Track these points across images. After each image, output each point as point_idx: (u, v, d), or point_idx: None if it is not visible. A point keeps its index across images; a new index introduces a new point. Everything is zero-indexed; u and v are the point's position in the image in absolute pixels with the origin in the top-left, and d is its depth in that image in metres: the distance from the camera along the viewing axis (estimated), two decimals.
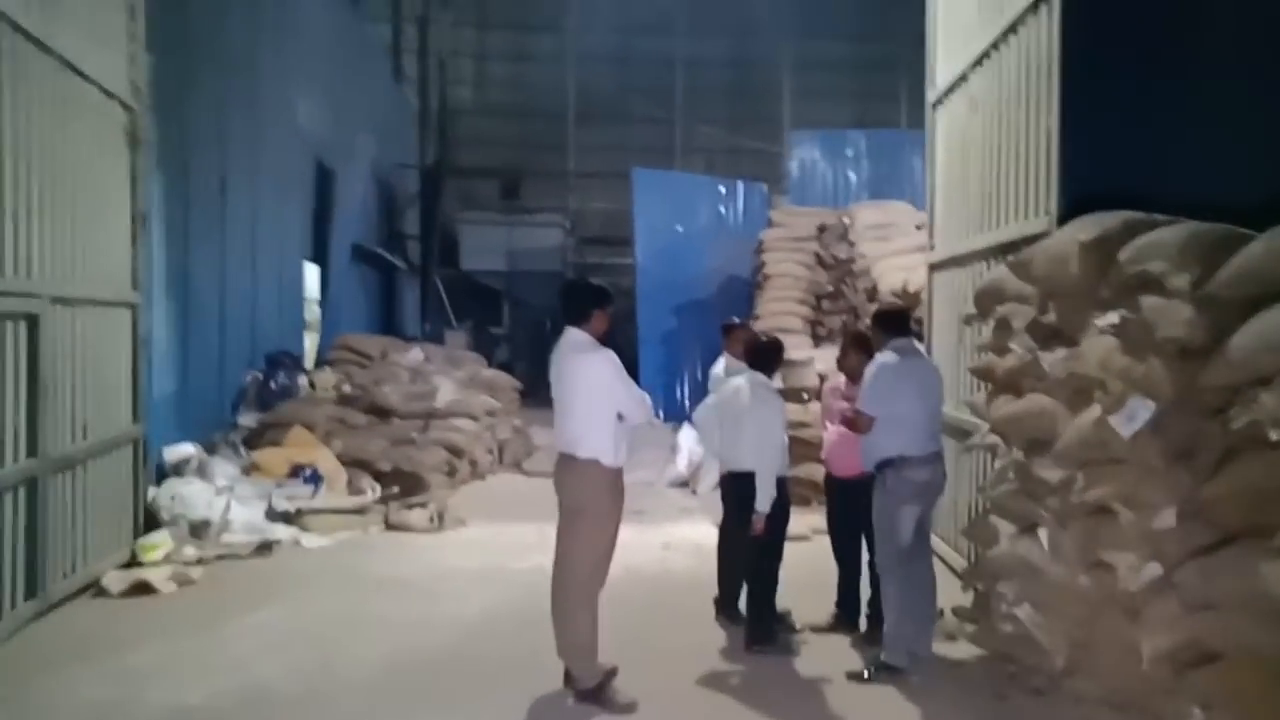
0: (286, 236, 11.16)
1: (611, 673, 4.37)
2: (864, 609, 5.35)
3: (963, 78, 6.87)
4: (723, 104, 25.76)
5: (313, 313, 12.58)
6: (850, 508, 5.23)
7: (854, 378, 5.23)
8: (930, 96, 7.72)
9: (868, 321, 6.07)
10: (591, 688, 4.31)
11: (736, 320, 6.96)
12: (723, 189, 17.18)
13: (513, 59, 26.59)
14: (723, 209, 17.16)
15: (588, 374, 4.27)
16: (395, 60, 19.69)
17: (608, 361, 4.29)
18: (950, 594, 5.30)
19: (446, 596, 6.08)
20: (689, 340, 15.50)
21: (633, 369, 16.11)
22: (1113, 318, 3.45)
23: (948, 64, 7.35)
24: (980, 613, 4.29)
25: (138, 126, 6.81)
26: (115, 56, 6.53)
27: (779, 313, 12.99)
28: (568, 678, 4.41)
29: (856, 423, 4.85)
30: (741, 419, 5.14)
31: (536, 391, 19.24)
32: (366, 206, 14.54)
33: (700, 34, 24.99)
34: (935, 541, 7.19)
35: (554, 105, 25.68)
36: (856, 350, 5.36)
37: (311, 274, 12.62)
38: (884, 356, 4.88)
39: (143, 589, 5.93)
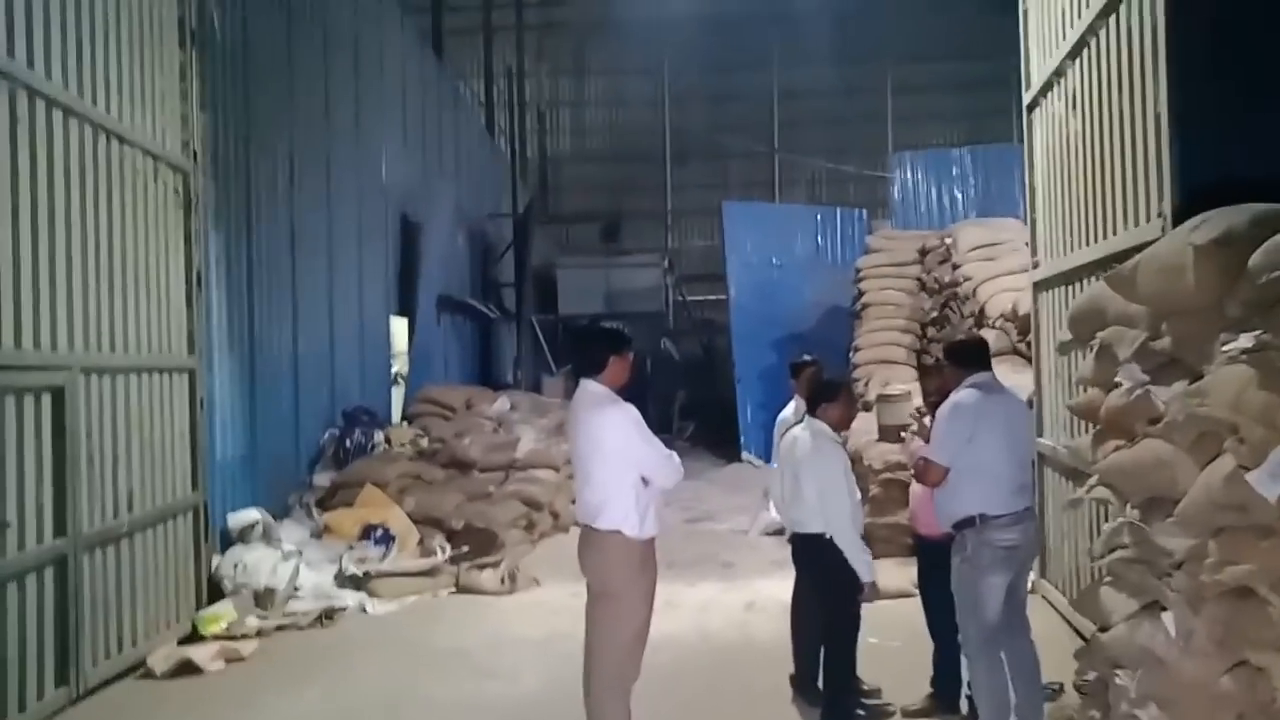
0: (368, 291, 11.07)
1: None
2: (965, 689, 4.57)
3: (1058, 73, 6.12)
4: (823, 133, 25.06)
5: (405, 366, 12.48)
6: (943, 573, 4.47)
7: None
8: (1025, 98, 6.96)
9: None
10: None
11: (807, 358, 6.28)
12: (819, 217, 16.51)
13: (609, 104, 26.66)
14: (820, 238, 16.47)
15: (605, 433, 3.74)
16: (489, 113, 19.84)
17: (627, 418, 3.75)
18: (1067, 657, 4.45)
19: (501, 673, 5.59)
20: (788, 377, 14.77)
21: (731, 409, 15.67)
22: (1245, 341, 2.69)
23: (1041, 60, 6.60)
24: (1098, 704, 3.51)
25: (191, 187, 6.71)
26: (163, 118, 6.44)
27: (879, 343, 12.18)
28: None
29: (927, 473, 4.15)
30: (800, 473, 4.50)
31: None
32: (456, 257, 14.46)
33: (796, 65, 24.39)
34: (1048, 589, 6.36)
35: (651, 146, 25.55)
36: (939, 386, 4.66)
37: (401, 328, 12.54)
38: (960, 394, 4.18)
39: (189, 669, 5.64)
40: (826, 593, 4.54)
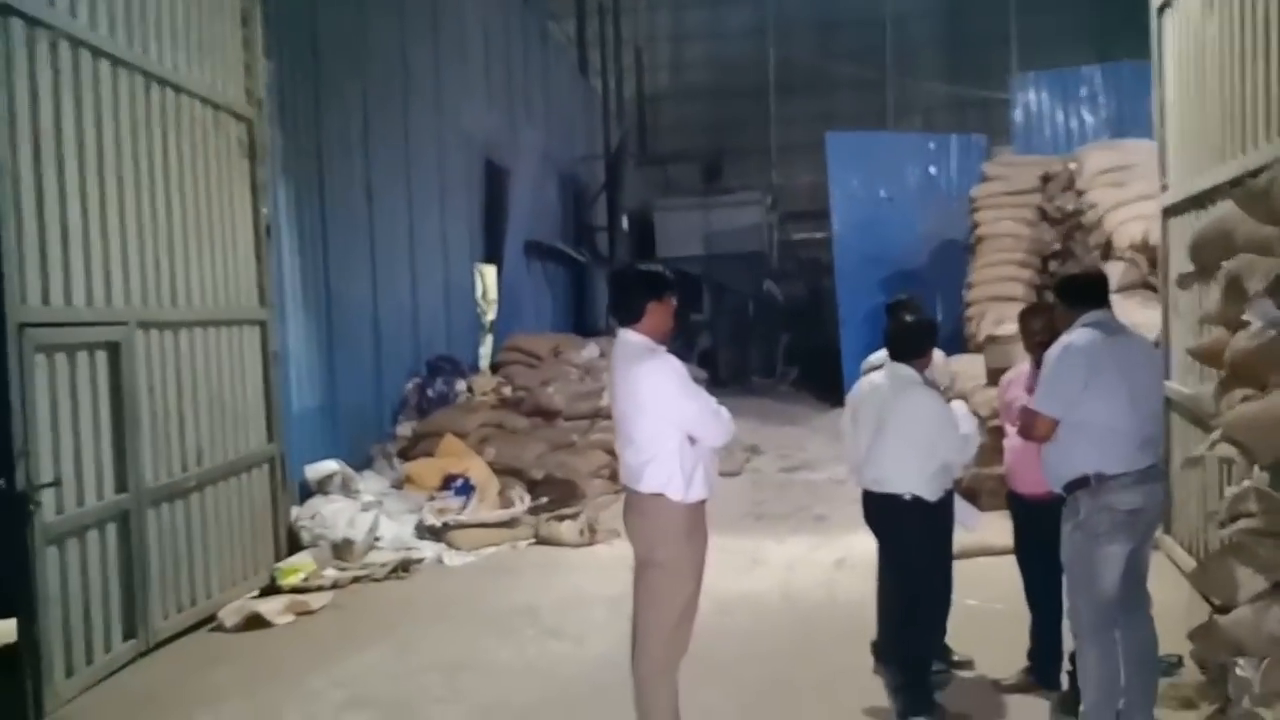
0: (453, 239, 10.92)
1: None
2: (1065, 664, 4.07)
3: None
4: (939, 58, 23.60)
5: (494, 314, 12.35)
6: (1042, 536, 3.93)
7: (1041, 366, 3.97)
8: (1154, 1, 6.11)
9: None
10: None
11: (905, 297, 5.59)
12: (932, 145, 15.46)
13: (710, 38, 25.74)
14: (933, 168, 15.44)
15: (644, 388, 3.37)
16: (581, 53, 19.36)
17: (668, 369, 3.37)
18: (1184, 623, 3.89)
19: (568, 633, 5.36)
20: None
21: (837, 353, 15.03)
22: None
23: None
24: (1217, 692, 2.99)
25: (255, 136, 6.57)
26: (224, 66, 6.29)
27: (996, 279, 11.31)
28: None
29: (1032, 427, 3.60)
30: (884, 425, 4.03)
31: (739, 379, 18.68)
32: (546, 202, 14.19)
33: None
34: (1172, 548, 5.70)
35: (755, 80, 24.59)
36: (1041, 324, 4.07)
37: (490, 276, 12.40)
38: (1072, 335, 3.60)
39: (258, 622, 5.62)
40: (909, 559, 4.10)
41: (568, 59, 18.33)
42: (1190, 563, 5.25)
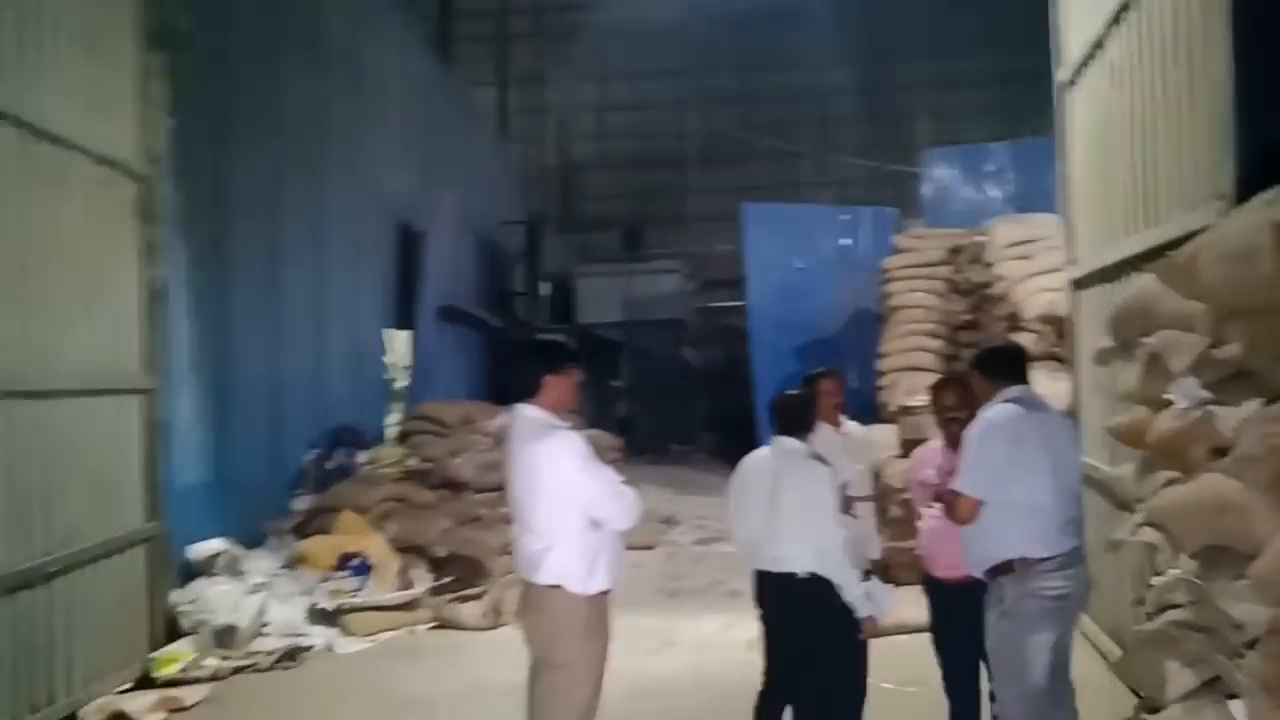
0: (363, 304, 10.55)
1: None
2: None
3: (1098, 45, 5.41)
4: (855, 132, 24.27)
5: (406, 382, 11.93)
6: (962, 621, 3.76)
7: (953, 442, 3.82)
8: (1060, 76, 6.25)
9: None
10: None
11: (823, 370, 5.33)
12: (846, 217, 15.75)
13: (632, 109, 26.10)
14: (847, 239, 15.70)
15: (541, 468, 3.11)
16: (503, 119, 19.35)
17: (567, 447, 3.13)
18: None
19: None
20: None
21: (751, 422, 14.95)
22: None
23: (1079, 32, 5.88)
24: None
25: (150, 196, 6.19)
26: (118, 122, 5.93)
27: (907, 349, 11.40)
28: None
29: (955, 508, 3.42)
30: (777, 501, 3.81)
31: (656, 446, 18.46)
32: (463, 267, 13.94)
33: (825, 64, 23.63)
34: (1091, 630, 5.60)
35: (676, 150, 24.94)
36: (954, 398, 3.94)
37: (403, 341, 12.00)
38: (993, 412, 3.47)
39: None
40: (812, 645, 3.82)
41: (488, 125, 18.27)
42: (1112, 647, 5.14)
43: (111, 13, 5.76)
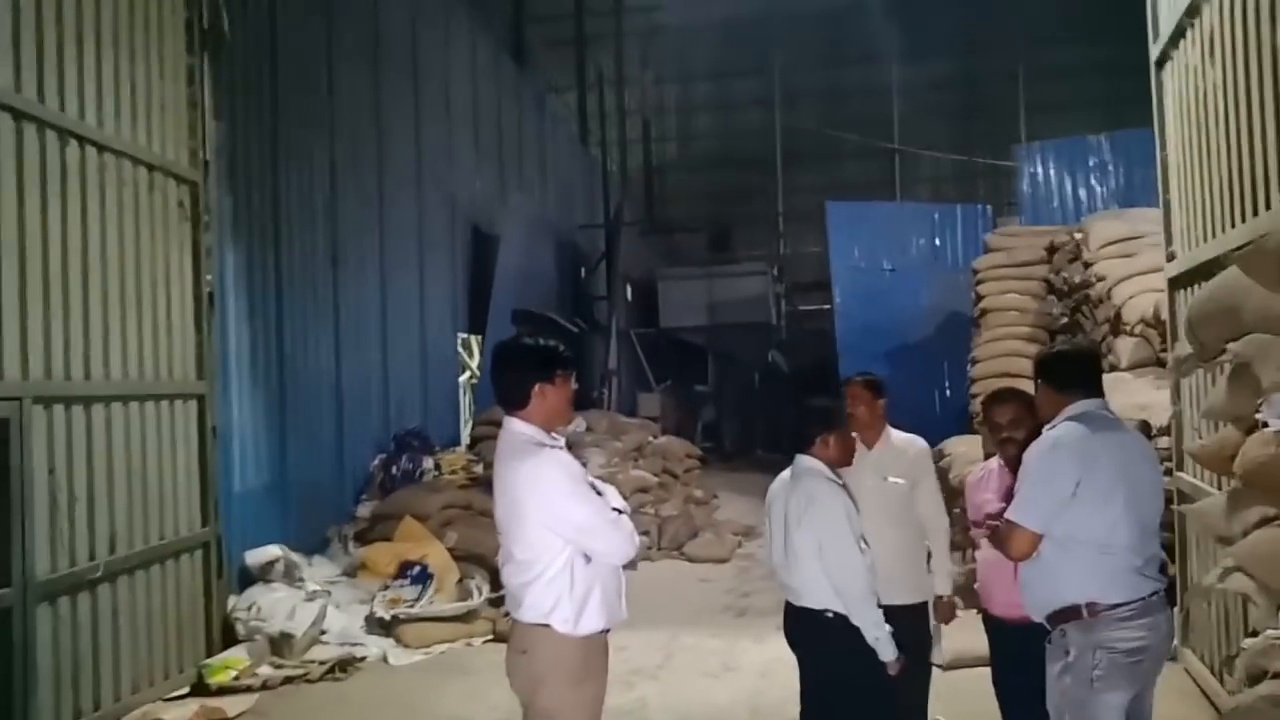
0: (431, 307, 10.51)
1: None
2: None
3: (1191, 13, 4.86)
4: (948, 128, 23.43)
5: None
6: (1023, 665, 3.27)
7: (1011, 464, 3.39)
8: (1153, 52, 5.69)
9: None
10: None
11: (860, 375, 4.80)
12: (937, 215, 15.09)
13: (717, 109, 25.78)
14: (938, 239, 15.05)
15: (524, 491, 2.76)
16: (583, 123, 19.27)
17: (554, 467, 2.77)
18: None
19: None
20: (902, 392, 13.45)
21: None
22: None
23: (1170, 1, 5.33)
24: None
25: (199, 200, 6.20)
26: (165, 126, 5.95)
27: (1000, 354, 10.79)
28: None
29: (1009, 541, 2.97)
30: (789, 527, 3.45)
31: (742, 454, 18.03)
32: (540, 270, 13.84)
33: (915, 56, 22.86)
34: (1188, 659, 5.04)
35: (762, 149, 24.51)
36: (1011, 413, 3.49)
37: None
38: (1059, 430, 2.99)
39: None
40: (837, 692, 3.44)
41: (567, 128, 18.19)
42: (1209, 677, 4.60)
43: (158, 17, 5.75)
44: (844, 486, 3.48)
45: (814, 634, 3.41)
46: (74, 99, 5.10)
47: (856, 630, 3.30)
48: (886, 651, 3.29)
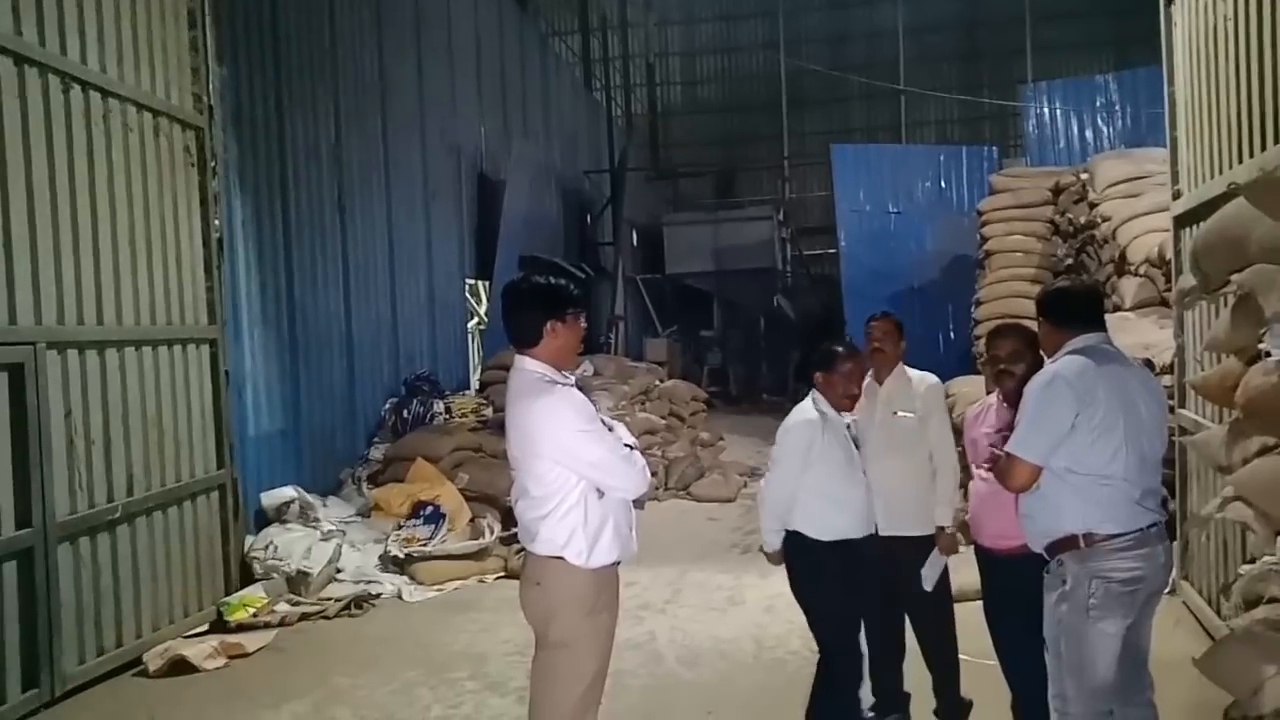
0: (438, 253, 10.53)
1: None
2: None
3: None
4: (953, 70, 23.14)
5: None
6: (1016, 599, 3.36)
7: (1009, 398, 3.45)
8: None
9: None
10: None
11: (879, 313, 4.91)
12: (942, 157, 15.00)
13: (721, 51, 25.44)
14: (943, 182, 14.97)
15: (537, 428, 2.82)
16: (586, 68, 19.06)
17: (566, 405, 2.82)
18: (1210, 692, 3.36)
19: (511, 687, 4.83)
20: (908, 334, 13.48)
21: None
22: None
23: None
24: None
25: (205, 146, 6.19)
26: (168, 70, 5.92)
27: (1005, 295, 10.82)
28: None
29: (1009, 473, 3.01)
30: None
31: (748, 397, 18.14)
32: (545, 216, 13.81)
33: None
34: (1187, 593, 5.14)
35: (768, 94, 24.25)
36: (1010, 347, 3.51)
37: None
38: (1060, 364, 3.03)
39: (184, 666, 5.18)
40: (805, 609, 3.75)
41: (571, 73, 18.00)
42: (1209, 611, 4.70)
43: None
44: (847, 425, 3.63)
45: (794, 552, 3.67)
46: (75, 42, 5.07)
47: (812, 549, 3.57)
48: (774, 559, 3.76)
